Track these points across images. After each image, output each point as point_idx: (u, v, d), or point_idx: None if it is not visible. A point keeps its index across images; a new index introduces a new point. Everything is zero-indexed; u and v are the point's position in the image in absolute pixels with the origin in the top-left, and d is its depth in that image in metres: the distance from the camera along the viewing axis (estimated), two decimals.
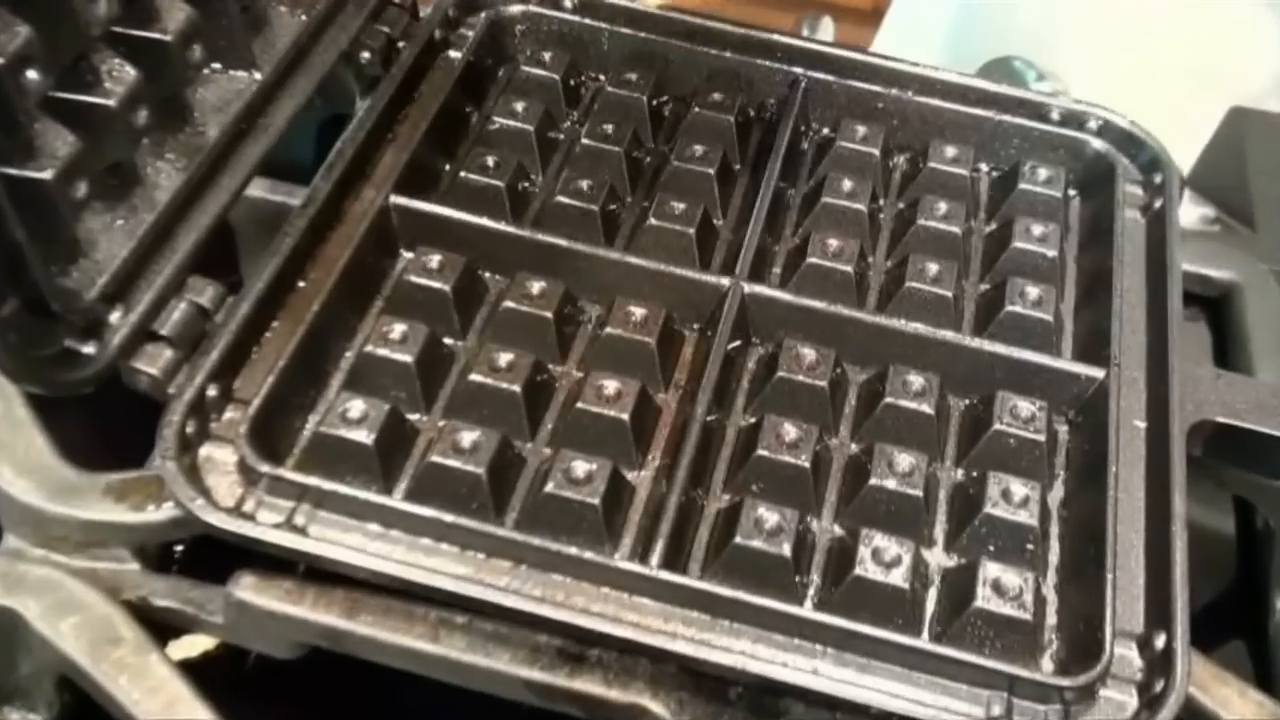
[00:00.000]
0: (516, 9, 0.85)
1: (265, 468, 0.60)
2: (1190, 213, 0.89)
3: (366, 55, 0.81)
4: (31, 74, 0.56)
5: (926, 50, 1.28)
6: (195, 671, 0.60)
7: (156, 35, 0.64)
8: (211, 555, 0.62)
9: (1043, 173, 0.80)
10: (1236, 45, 1.15)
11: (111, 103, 0.61)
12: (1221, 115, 1.02)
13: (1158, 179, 0.79)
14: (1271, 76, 1.13)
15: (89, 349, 0.61)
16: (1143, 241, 0.77)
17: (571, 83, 0.84)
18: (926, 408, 0.67)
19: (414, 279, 0.69)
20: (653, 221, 0.74)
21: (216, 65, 0.70)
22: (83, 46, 0.60)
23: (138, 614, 0.61)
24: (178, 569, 0.66)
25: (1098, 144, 0.81)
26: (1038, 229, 0.76)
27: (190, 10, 0.66)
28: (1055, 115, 0.82)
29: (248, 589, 0.60)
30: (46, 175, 0.57)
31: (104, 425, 0.69)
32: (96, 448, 0.67)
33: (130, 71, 0.62)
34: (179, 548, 0.66)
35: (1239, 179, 0.95)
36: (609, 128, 0.79)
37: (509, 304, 0.69)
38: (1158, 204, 0.78)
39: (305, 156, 0.86)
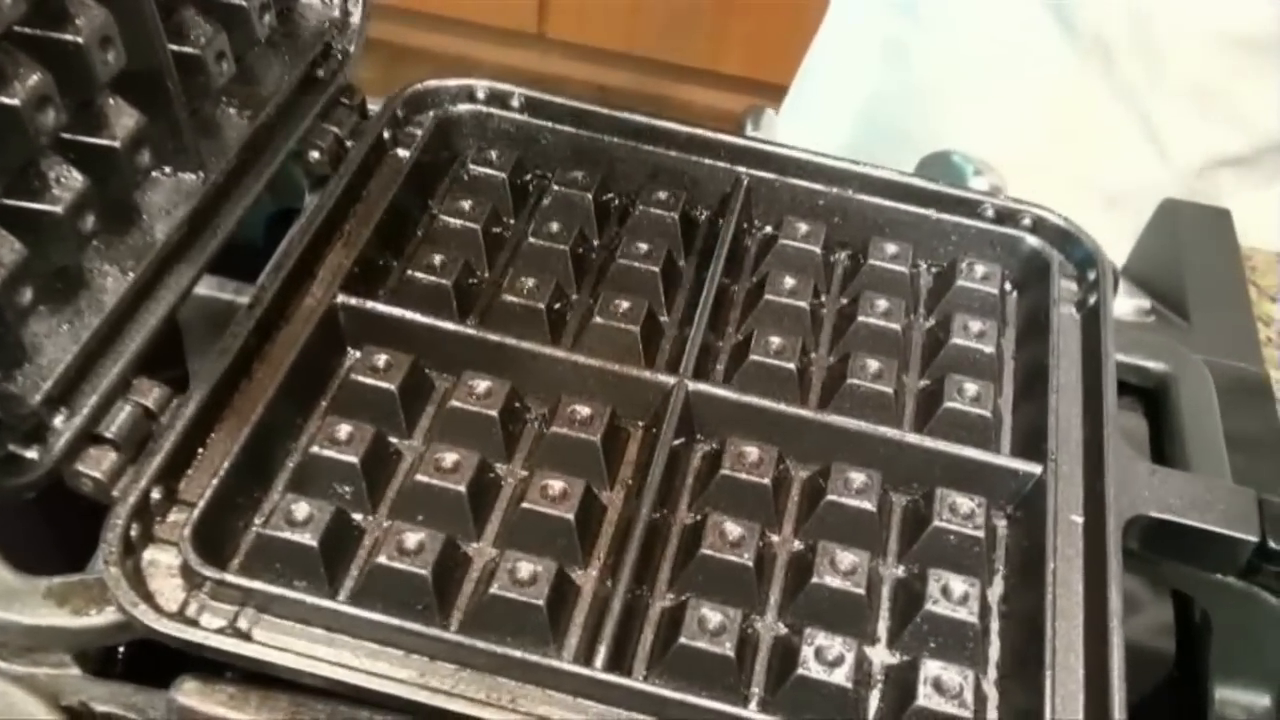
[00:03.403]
0: (464, 108, 0.86)
1: (209, 571, 0.60)
2: (1125, 304, 0.91)
3: (315, 154, 0.82)
4: None
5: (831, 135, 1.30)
6: None
7: (105, 141, 0.65)
8: (154, 657, 0.62)
9: (980, 269, 0.81)
10: (1093, 140, 1.18)
11: (59, 209, 0.61)
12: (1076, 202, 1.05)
13: (1092, 275, 0.81)
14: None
15: (32, 454, 0.61)
16: (1078, 337, 0.79)
17: (518, 181, 0.85)
18: (868, 505, 0.67)
19: (360, 378, 0.70)
20: (598, 319, 0.75)
21: (165, 168, 0.71)
22: (31, 154, 0.60)
23: None
24: (120, 671, 0.65)
25: (1033, 241, 0.83)
26: (975, 325, 0.78)
27: (139, 115, 0.66)
28: (990, 212, 0.84)
29: (190, 694, 0.60)
30: None
31: (43, 526, 0.68)
32: (35, 549, 0.66)
33: (78, 178, 0.62)
34: (121, 650, 0.66)
35: (1173, 270, 0.98)
36: (555, 225, 0.80)
37: (455, 403, 0.69)
38: (1092, 300, 0.80)
39: (252, 249, 0.87)
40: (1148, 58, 1.11)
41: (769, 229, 0.85)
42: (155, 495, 0.62)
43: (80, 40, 0.62)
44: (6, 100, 0.58)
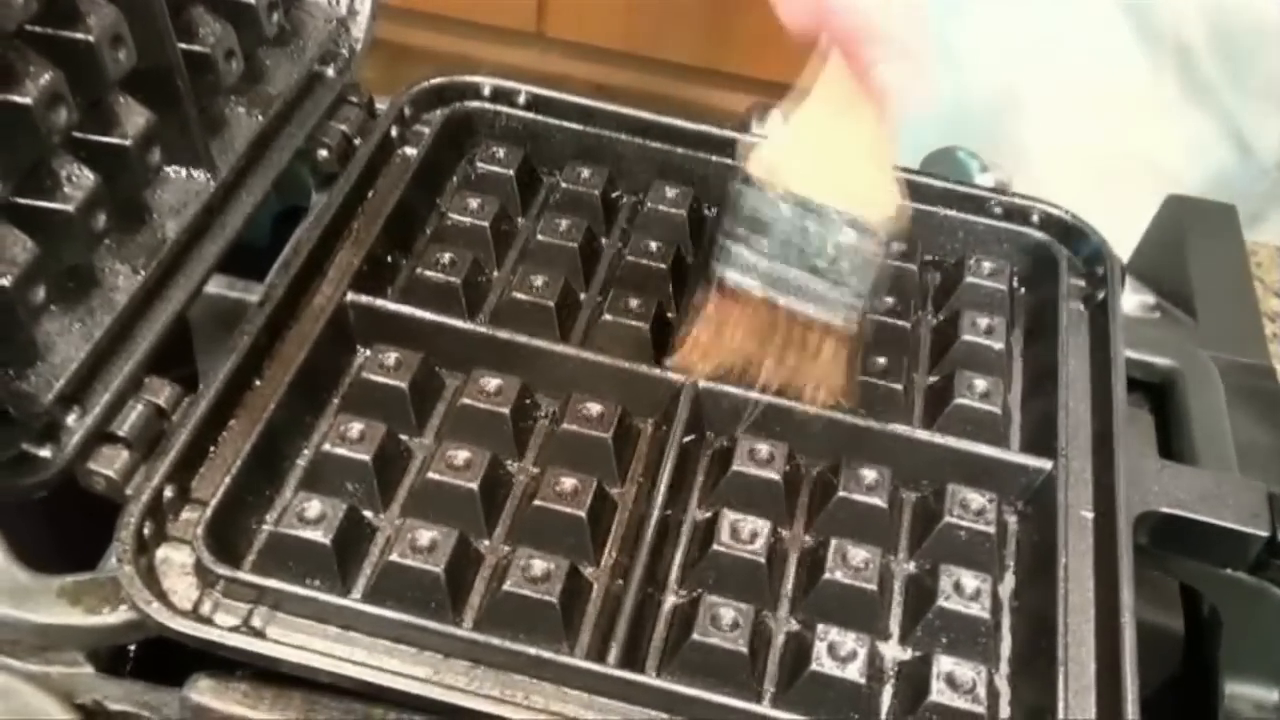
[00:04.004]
0: (471, 106, 0.86)
1: (222, 569, 0.60)
2: (1130, 300, 0.91)
3: (323, 152, 0.82)
4: None
5: None
6: None
7: (116, 140, 0.65)
8: (167, 655, 0.62)
9: (988, 266, 0.82)
10: (1170, 139, 1.18)
11: (70, 208, 0.61)
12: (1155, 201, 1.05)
13: (1099, 271, 0.81)
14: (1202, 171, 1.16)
15: (45, 452, 0.61)
16: (1086, 333, 0.79)
17: (526, 178, 0.85)
18: (879, 501, 0.68)
19: (371, 376, 0.70)
20: (607, 317, 0.75)
21: (175, 166, 0.71)
22: (42, 153, 0.60)
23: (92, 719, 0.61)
24: (132, 669, 0.65)
25: (1040, 237, 0.83)
26: (984, 322, 0.78)
27: (149, 114, 0.66)
28: (998, 209, 0.84)
29: (204, 692, 0.60)
30: (4, 282, 0.57)
31: (55, 525, 0.68)
32: (41, 548, 0.66)
33: (89, 176, 0.62)
34: (133, 648, 0.66)
35: (1179, 267, 0.98)
36: (563, 223, 0.80)
37: (466, 401, 0.69)
38: (1100, 296, 0.80)
39: (259, 247, 0.87)
40: (1228, 57, 1.11)
41: None
42: (168, 493, 0.63)
43: (91, 39, 0.62)
44: (18, 99, 0.58)
